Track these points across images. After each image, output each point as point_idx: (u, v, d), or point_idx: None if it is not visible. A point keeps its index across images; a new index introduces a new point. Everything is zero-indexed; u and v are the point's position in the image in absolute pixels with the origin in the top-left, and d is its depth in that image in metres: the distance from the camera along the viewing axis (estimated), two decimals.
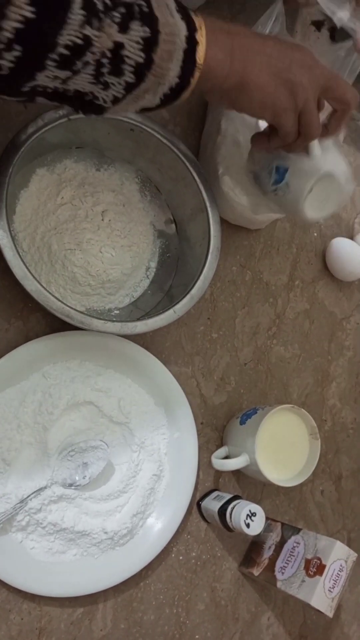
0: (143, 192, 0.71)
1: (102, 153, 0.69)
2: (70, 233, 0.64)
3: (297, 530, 0.67)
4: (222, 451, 0.69)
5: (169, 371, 0.67)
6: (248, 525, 0.61)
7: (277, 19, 0.63)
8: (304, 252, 0.82)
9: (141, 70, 0.44)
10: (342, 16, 0.58)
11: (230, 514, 0.63)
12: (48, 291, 0.56)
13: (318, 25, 0.90)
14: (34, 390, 0.61)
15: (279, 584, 0.64)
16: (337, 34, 0.91)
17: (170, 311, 0.62)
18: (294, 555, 0.65)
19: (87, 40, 0.40)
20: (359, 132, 0.90)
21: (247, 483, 0.73)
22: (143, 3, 0.42)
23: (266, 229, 0.79)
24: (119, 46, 0.42)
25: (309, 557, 0.63)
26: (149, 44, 0.43)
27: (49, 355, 0.62)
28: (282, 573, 0.65)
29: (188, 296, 0.63)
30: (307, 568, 0.63)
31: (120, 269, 0.67)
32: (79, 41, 0.40)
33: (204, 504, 0.68)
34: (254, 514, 0.61)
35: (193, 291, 0.63)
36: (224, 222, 0.72)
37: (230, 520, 0.62)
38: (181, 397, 0.67)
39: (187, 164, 0.66)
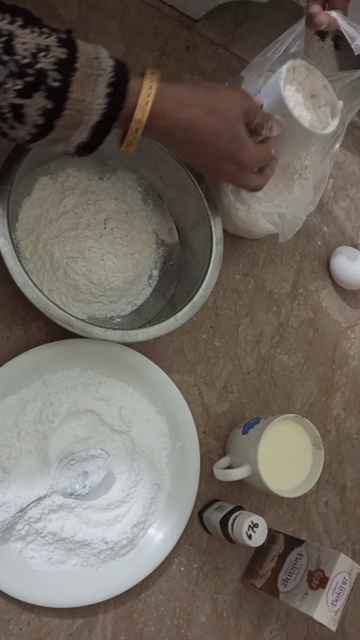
0: (145, 201, 0.71)
1: (104, 162, 0.69)
2: (73, 241, 0.64)
3: (300, 542, 0.66)
4: (225, 461, 0.68)
5: (171, 379, 0.67)
6: (250, 537, 0.60)
7: (295, 38, 0.63)
8: (307, 261, 0.82)
9: (43, 129, 0.45)
10: None
11: (232, 525, 0.62)
12: (49, 299, 0.56)
13: (322, 34, 0.90)
14: (34, 398, 0.61)
15: (281, 597, 0.63)
16: (342, 43, 0.91)
17: (172, 319, 0.62)
18: (296, 567, 0.64)
19: None
20: None
21: (250, 493, 0.72)
22: (58, 78, 0.43)
23: (269, 237, 0.79)
24: (18, 106, 0.43)
25: (312, 569, 0.62)
26: (51, 114, 0.45)
27: (50, 363, 0.62)
28: (285, 585, 0.64)
29: (190, 304, 0.63)
30: (310, 580, 0.62)
31: (122, 277, 0.67)
32: None
33: (205, 514, 0.67)
34: (256, 525, 0.61)
35: (195, 299, 0.63)
36: (226, 231, 0.71)
37: (232, 532, 0.62)
38: (183, 406, 0.67)
39: (189, 172, 0.66)
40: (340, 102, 0.63)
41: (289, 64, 0.60)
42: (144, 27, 0.76)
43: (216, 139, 0.53)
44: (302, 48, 0.66)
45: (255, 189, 0.59)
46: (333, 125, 0.62)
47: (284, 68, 0.59)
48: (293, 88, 0.60)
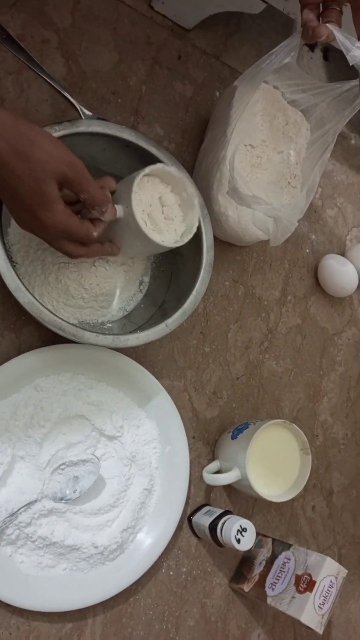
0: None
1: (97, 168, 0.69)
2: None
3: (287, 546, 0.67)
4: (214, 466, 0.69)
5: (161, 385, 0.67)
6: (239, 541, 0.61)
7: (289, 51, 0.64)
8: (296, 268, 0.83)
9: None
10: (356, 54, 0.59)
11: (221, 530, 0.62)
12: (40, 303, 0.56)
13: (311, 46, 0.91)
14: (25, 403, 0.61)
15: (269, 600, 0.64)
16: (330, 55, 0.92)
17: (162, 325, 0.62)
18: (284, 571, 0.65)
19: None
20: (351, 150, 0.91)
21: (239, 498, 0.73)
22: None
23: (259, 244, 0.80)
24: None
25: (300, 573, 0.63)
26: None
27: (41, 368, 0.63)
28: (273, 589, 0.64)
29: (180, 310, 0.63)
30: (297, 584, 0.62)
31: (113, 283, 0.67)
32: None
33: (195, 519, 0.68)
34: (244, 530, 0.61)
35: (185, 306, 0.64)
36: (216, 238, 0.72)
37: (221, 536, 0.62)
38: (173, 411, 0.67)
39: None
40: (195, 223, 0.60)
41: (147, 170, 0.57)
42: (137, 36, 0.76)
43: (17, 182, 0.49)
44: (295, 59, 0.67)
45: (67, 254, 0.56)
46: (180, 242, 0.59)
47: (143, 172, 0.57)
48: (147, 193, 0.58)
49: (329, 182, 0.89)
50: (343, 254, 0.86)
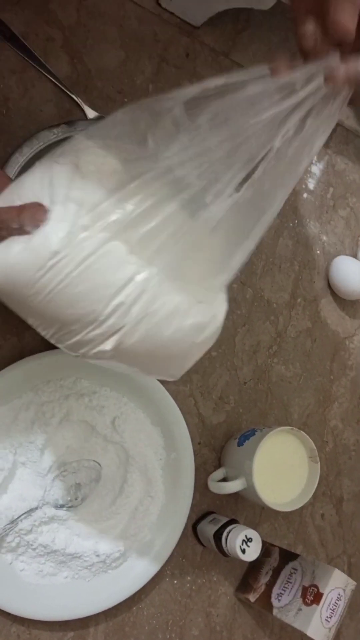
0: None
1: None
2: None
3: (294, 556, 0.66)
4: (220, 473, 0.68)
5: (167, 390, 0.66)
6: (244, 551, 0.59)
7: None
8: (306, 270, 0.81)
9: None
10: None
11: (226, 539, 0.61)
12: None
13: None
14: (26, 408, 0.60)
15: (275, 612, 0.62)
16: None
17: None
18: (291, 582, 0.63)
19: None
20: None
21: (246, 505, 0.71)
22: None
23: (268, 246, 0.78)
24: None
25: (307, 584, 0.62)
26: None
27: (44, 372, 0.62)
28: (279, 600, 0.63)
29: None
30: (304, 596, 0.61)
31: None
32: None
33: (199, 527, 0.66)
34: (249, 540, 0.60)
35: None
36: None
37: (226, 545, 0.61)
38: (178, 417, 0.66)
39: None
40: None
41: None
42: (144, 33, 0.75)
43: None
44: None
45: None
46: None
47: None
48: None
49: (341, 181, 0.86)
50: (355, 256, 0.83)
